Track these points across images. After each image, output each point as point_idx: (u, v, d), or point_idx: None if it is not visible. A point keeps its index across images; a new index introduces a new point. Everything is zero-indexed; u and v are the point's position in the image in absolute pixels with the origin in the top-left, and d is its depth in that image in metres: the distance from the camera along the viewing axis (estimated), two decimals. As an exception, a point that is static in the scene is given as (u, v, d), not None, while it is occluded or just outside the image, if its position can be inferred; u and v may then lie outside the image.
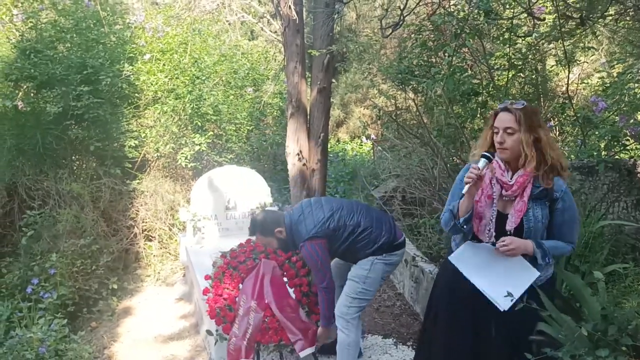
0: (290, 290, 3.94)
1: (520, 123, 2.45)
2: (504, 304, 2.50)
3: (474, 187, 2.51)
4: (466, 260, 2.65)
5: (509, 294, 2.37)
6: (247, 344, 3.65)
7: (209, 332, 4.02)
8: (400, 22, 4.12)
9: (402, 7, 3.91)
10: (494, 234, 2.57)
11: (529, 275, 2.49)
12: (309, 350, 3.68)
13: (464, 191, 2.53)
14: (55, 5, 6.46)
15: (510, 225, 2.51)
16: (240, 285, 3.86)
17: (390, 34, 4.55)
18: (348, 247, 3.53)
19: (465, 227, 2.63)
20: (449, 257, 2.72)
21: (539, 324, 2.40)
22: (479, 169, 2.47)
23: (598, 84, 5.17)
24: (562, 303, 2.48)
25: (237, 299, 3.79)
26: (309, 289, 3.85)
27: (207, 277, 4.02)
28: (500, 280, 2.54)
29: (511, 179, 2.52)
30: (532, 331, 2.42)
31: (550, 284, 2.61)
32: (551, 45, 5.20)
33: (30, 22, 6.11)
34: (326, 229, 3.46)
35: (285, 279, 3.91)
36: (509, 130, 2.48)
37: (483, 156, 2.51)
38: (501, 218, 2.56)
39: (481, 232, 2.61)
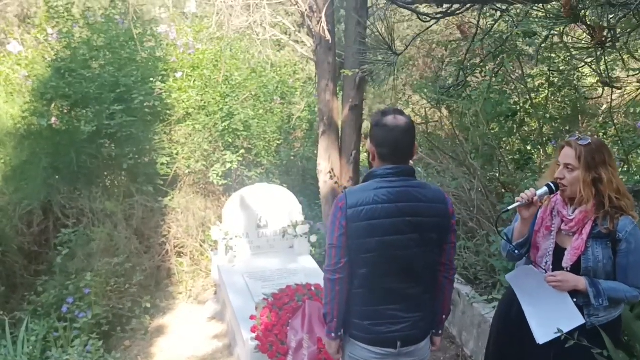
0: None
1: (580, 160, 2.36)
2: (541, 338, 2.45)
3: (526, 211, 2.47)
4: (521, 282, 2.59)
5: (559, 330, 2.30)
6: None
7: None
8: (411, 41, 4.02)
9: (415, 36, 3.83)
10: (551, 267, 2.50)
11: (572, 320, 2.38)
12: None
13: (509, 207, 2.54)
14: (89, 23, 6.54)
15: (566, 262, 2.43)
16: (289, 322, 3.92)
17: (404, 50, 4.45)
18: None
19: (517, 252, 2.59)
20: (506, 276, 2.67)
21: None
22: (535, 194, 2.43)
23: (641, 101, 5.02)
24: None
25: (287, 334, 3.84)
26: None
27: (252, 318, 4.09)
28: (546, 313, 2.46)
29: (572, 213, 2.44)
30: None
31: (611, 327, 2.45)
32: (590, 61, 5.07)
33: (65, 41, 6.19)
34: (355, 212, 2.46)
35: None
36: (569, 167, 2.41)
37: (547, 185, 2.45)
38: (560, 253, 2.48)
39: (538, 264, 2.55)
